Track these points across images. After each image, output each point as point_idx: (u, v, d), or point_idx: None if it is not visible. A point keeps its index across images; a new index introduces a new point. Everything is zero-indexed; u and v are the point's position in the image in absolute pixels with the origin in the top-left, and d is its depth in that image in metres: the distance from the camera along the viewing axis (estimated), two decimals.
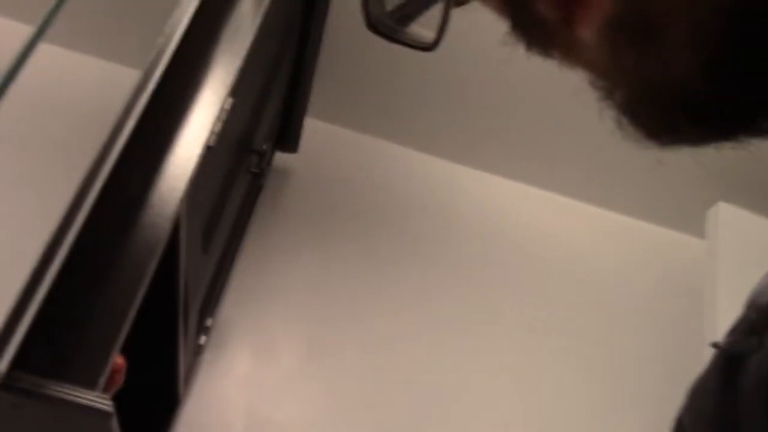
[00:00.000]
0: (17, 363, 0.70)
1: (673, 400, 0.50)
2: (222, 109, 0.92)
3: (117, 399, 0.91)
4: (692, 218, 2.00)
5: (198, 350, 1.50)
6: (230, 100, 0.94)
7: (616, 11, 0.32)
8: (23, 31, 0.68)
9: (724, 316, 1.56)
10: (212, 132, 0.90)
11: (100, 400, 0.72)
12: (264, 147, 1.38)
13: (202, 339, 1.49)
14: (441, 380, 1.73)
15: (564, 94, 2.03)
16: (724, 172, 1.92)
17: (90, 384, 0.72)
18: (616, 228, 2.09)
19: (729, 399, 0.44)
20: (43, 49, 0.71)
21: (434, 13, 0.39)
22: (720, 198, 1.88)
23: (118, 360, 0.91)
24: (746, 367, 0.43)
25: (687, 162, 1.96)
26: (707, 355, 0.47)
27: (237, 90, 0.99)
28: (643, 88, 0.33)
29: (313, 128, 1.94)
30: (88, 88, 0.80)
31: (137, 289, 0.79)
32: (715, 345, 0.45)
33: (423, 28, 0.41)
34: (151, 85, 0.86)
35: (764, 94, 0.31)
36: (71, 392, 0.71)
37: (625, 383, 1.82)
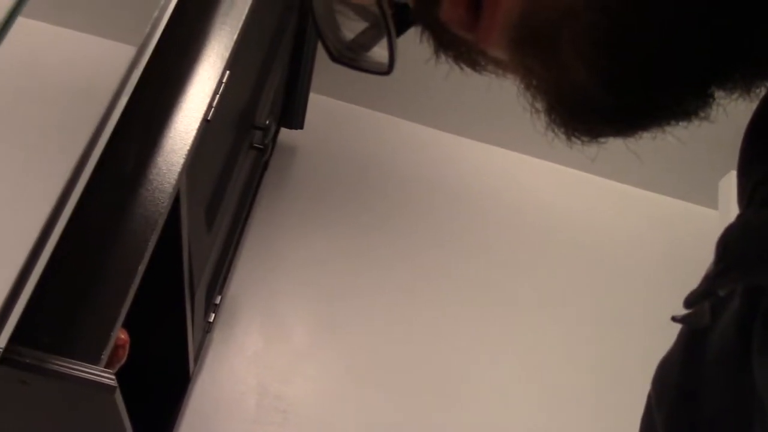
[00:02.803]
0: (19, 338, 0.70)
1: None
2: (220, 83, 0.92)
3: (128, 376, 0.92)
4: (704, 189, 1.98)
5: (208, 327, 1.51)
6: (228, 74, 0.94)
7: (512, 29, 0.34)
8: (1, 5, 0.67)
9: None
10: (210, 106, 0.90)
11: (104, 375, 0.72)
12: (267, 122, 1.37)
13: (212, 316, 1.50)
14: (451, 355, 1.73)
15: None
16: (735, 140, 1.90)
17: (93, 358, 0.73)
18: (628, 200, 2.08)
19: (691, 372, 0.45)
20: (29, 25, 0.71)
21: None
22: (732, 167, 1.85)
23: (121, 335, 0.91)
24: (708, 340, 0.43)
25: (697, 132, 1.94)
26: None
27: (235, 64, 0.98)
28: (555, 94, 0.35)
29: (318, 104, 1.93)
30: (80, 65, 0.80)
31: (138, 264, 0.79)
32: (674, 318, 0.46)
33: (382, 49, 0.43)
34: (146, 59, 0.85)
35: (657, 85, 0.33)
36: (75, 367, 0.71)
37: (637, 356, 1.81)
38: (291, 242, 1.80)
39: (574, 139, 0.37)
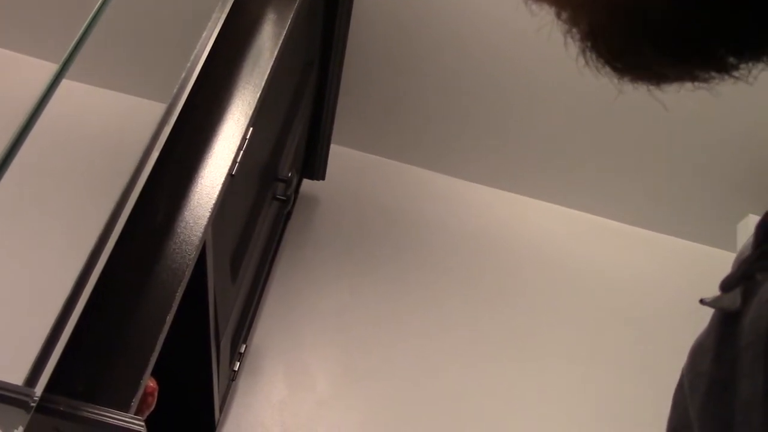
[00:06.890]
0: (54, 387, 0.73)
1: None
2: (244, 139, 0.96)
3: (156, 424, 0.94)
4: (723, 232, 1.99)
5: (233, 376, 1.53)
6: (251, 130, 0.98)
7: None
8: (47, 68, 0.72)
9: None
10: (235, 161, 0.94)
11: (133, 421, 0.74)
12: (289, 174, 1.41)
13: (236, 365, 1.52)
14: (477, 404, 1.73)
15: (591, 113, 2.01)
16: (753, 183, 1.92)
17: (123, 405, 0.75)
18: (647, 245, 2.09)
19: (724, 358, 0.45)
20: (68, 86, 0.75)
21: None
22: (750, 210, 1.87)
23: (150, 383, 0.94)
24: (740, 325, 0.43)
25: (716, 175, 1.96)
26: None
27: (258, 120, 1.02)
28: (606, 13, 0.33)
29: (339, 155, 1.98)
30: (113, 121, 0.84)
31: (166, 314, 0.82)
32: (702, 301, 0.46)
33: None
34: (175, 116, 0.89)
35: (723, 24, 0.31)
36: (105, 413, 0.74)
37: (661, 402, 1.80)
38: (314, 292, 1.82)
39: (610, 69, 0.35)
